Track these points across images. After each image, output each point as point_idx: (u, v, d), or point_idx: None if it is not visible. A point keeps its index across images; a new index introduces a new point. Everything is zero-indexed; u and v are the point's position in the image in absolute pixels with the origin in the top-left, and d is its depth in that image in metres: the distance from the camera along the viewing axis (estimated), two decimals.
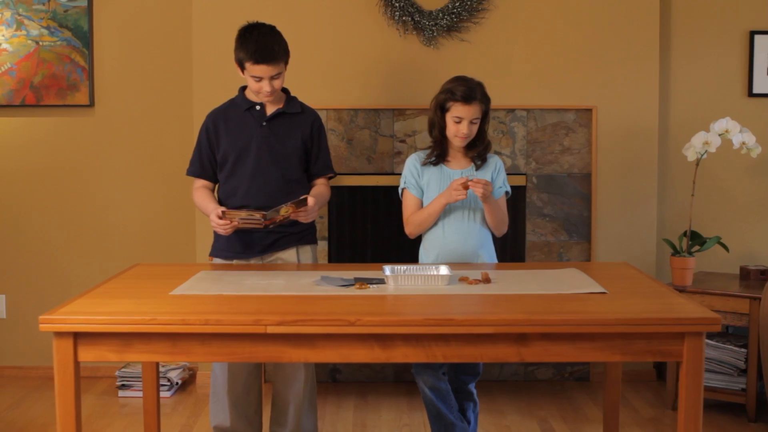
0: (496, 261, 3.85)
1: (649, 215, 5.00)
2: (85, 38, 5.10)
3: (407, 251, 4.80)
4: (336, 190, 4.80)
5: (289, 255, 3.75)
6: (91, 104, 5.14)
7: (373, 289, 3.19)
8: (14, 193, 5.19)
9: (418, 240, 3.94)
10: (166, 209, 5.20)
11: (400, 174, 4.86)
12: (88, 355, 2.83)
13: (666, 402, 4.64)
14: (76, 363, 2.83)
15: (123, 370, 4.91)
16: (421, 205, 3.79)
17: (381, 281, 3.30)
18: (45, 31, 5.09)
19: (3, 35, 5.08)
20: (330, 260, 4.94)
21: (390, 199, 5.00)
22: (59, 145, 5.19)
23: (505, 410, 4.59)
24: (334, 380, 5.05)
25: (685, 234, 4.65)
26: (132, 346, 2.84)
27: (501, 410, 4.58)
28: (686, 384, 2.82)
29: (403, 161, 4.84)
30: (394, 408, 4.63)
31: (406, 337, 2.81)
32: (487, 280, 3.29)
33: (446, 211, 3.72)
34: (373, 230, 5.05)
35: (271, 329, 2.76)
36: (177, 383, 4.94)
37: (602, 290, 3.15)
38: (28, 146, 5.18)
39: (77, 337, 2.82)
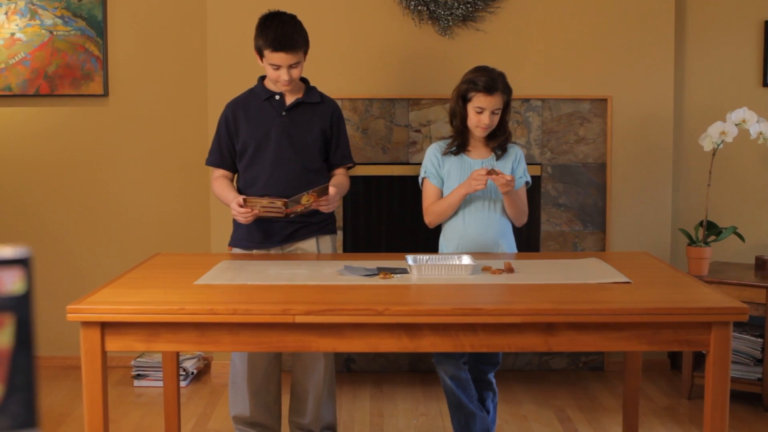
0: (516, 251, 3.86)
1: (664, 205, 5.00)
2: (99, 28, 5.10)
3: (422, 241, 4.81)
4: (351, 180, 4.78)
5: (308, 245, 3.75)
6: (106, 94, 5.14)
7: (397, 279, 3.20)
8: (28, 184, 5.19)
9: (434, 230, 3.94)
10: (181, 199, 5.20)
11: (415, 164, 4.87)
12: (116, 344, 2.84)
13: (681, 392, 4.65)
14: (104, 353, 2.83)
15: (139, 359, 4.92)
16: (441, 195, 3.78)
17: (404, 271, 3.30)
18: (59, 21, 5.08)
19: (17, 25, 5.07)
20: (345, 250, 4.94)
21: (405, 189, 5.00)
22: (73, 135, 5.18)
23: (522, 399, 4.60)
24: (348, 370, 5.06)
25: (701, 224, 4.65)
26: (159, 336, 2.84)
27: (517, 399, 4.59)
28: (713, 373, 2.83)
29: (419, 151, 4.85)
30: (410, 398, 4.64)
31: (433, 327, 2.81)
32: (510, 269, 3.30)
33: (466, 201, 3.72)
34: (387, 220, 5.05)
35: (299, 319, 2.77)
36: (192, 373, 4.95)
37: (626, 280, 3.16)
38: (42, 136, 5.18)
39: (104, 326, 2.82)
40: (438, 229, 3.91)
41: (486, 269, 3.32)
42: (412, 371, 5.06)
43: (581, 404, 4.53)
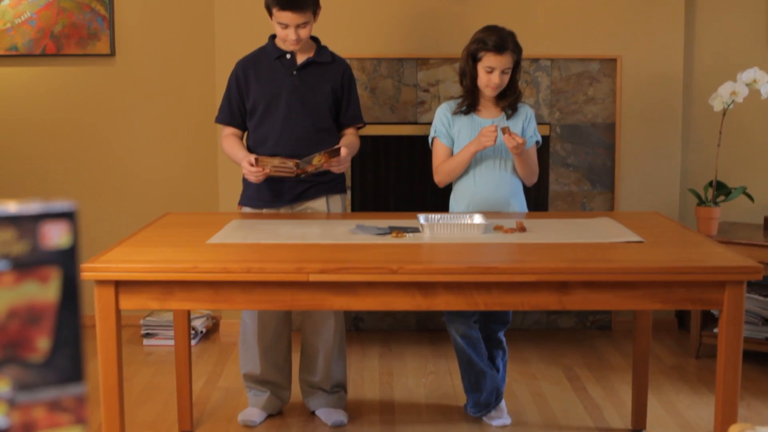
0: (526, 210, 3.86)
1: (672, 165, 4.99)
2: None
3: (431, 201, 4.81)
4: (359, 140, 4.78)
5: (318, 204, 3.75)
6: (112, 54, 5.11)
7: (409, 238, 3.20)
8: (34, 144, 5.18)
9: (442, 190, 3.94)
10: (189, 159, 5.19)
11: (423, 124, 4.86)
12: (130, 303, 2.84)
13: (689, 351, 4.67)
14: (118, 311, 2.84)
15: (148, 319, 4.93)
16: (451, 155, 3.78)
17: (416, 230, 3.30)
18: None
19: None
20: (353, 210, 4.94)
21: (413, 148, 4.99)
22: (80, 95, 5.16)
23: (530, 358, 4.61)
24: (357, 329, 5.07)
25: (710, 184, 4.64)
26: (173, 295, 2.84)
27: (526, 358, 4.60)
28: (726, 332, 2.83)
29: (427, 111, 4.84)
30: (418, 356, 4.66)
31: (448, 285, 2.81)
32: (522, 228, 3.30)
33: (477, 160, 3.72)
34: (396, 180, 5.05)
35: (313, 277, 2.77)
36: (201, 332, 4.97)
37: (639, 239, 3.16)
38: (48, 96, 5.16)
39: (119, 285, 2.82)
40: (447, 189, 3.91)
41: (498, 228, 3.32)
42: (420, 330, 5.08)
43: (589, 363, 4.55)
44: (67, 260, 0.77)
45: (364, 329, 5.07)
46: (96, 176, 5.21)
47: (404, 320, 5.08)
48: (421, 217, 3.33)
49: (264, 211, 3.73)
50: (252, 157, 3.53)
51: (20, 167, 5.18)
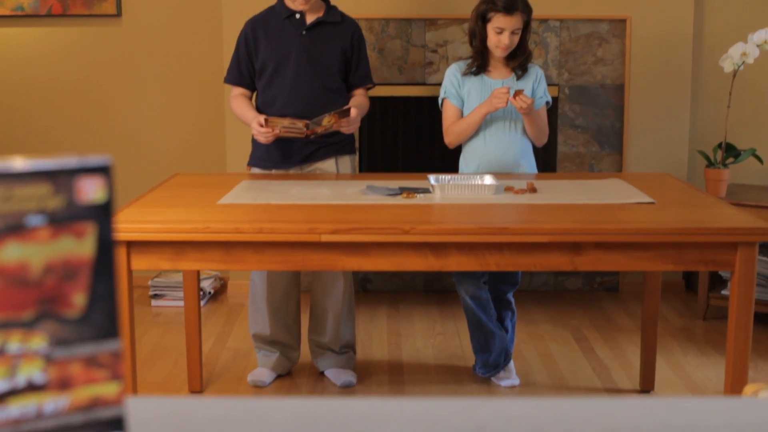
0: (536, 171, 3.85)
1: (681, 127, 4.97)
2: None
3: (438, 162, 4.80)
4: None
5: (328, 165, 3.74)
6: (119, 14, 5.08)
7: (420, 198, 3.19)
8: (40, 105, 5.16)
9: (450, 151, 3.93)
10: (196, 120, 5.17)
11: (431, 84, 4.83)
12: (142, 263, 2.84)
13: (697, 312, 4.67)
14: (129, 271, 2.84)
15: (156, 279, 4.94)
16: (461, 116, 3.76)
17: (426, 191, 3.29)
18: None
19: None
20: (361, 171, 4.93)
21: (421, 109, 4.97)
22: (86, 55, 5.13)
23: (538, 320, 4.62)
24: (365, 290, 5.08)
25: (719, 146, 4.63)
26: (185, 255, 2.84)
27: (533, 319, 4.61)
28: (737, 294, 2.83)
29: (435, 72, 4.81)
30: (426, 317, 4.66)
31: (460, 246, 2.81)
32: (533, 189, 3.29)
33: (487, 121, 3.70)
34: (404, 141, 5.03)
35: (325, 238, 2.77)
36: (210, 293, 4.97)
37: (650, 200, 3.15)
38: (54, 57, 5.13)
39: (130, 245, 2.82)
40: (455, 151, 3.90)
41: (508, 189, 3.31)
42: (428, 291, 5.08)
43: (597, 324, 4.56)
44: (103, 216, 0.77)
45: (372, 290, 5.08)
46: (102, 137, 5.20)
47: (412, 281, 5.09)
48: (432, 178, 3.33)
49: (273, 172, 3.72)
50: (261, 118, 3.52)
51: (26, 128, 5.16)
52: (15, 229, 0.74)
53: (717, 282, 4.64)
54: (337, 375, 3.82)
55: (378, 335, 4.41)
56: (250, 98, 3.78)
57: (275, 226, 2.79)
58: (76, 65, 5.13)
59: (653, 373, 3.75)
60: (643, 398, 0.98)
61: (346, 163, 3.79)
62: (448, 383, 3.84)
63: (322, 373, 3.89)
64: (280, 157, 3.69)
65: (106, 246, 0.77)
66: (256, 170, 3.78)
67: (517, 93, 3.54)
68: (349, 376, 3.80)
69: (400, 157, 5.03)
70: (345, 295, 3.82)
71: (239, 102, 3.73)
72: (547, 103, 3.81)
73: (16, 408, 0.75)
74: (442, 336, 4.40)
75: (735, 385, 2.86)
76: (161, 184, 3.49)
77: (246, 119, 3.64)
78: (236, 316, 4.72)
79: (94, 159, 0.76)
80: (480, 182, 3.32)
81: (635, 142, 4.97)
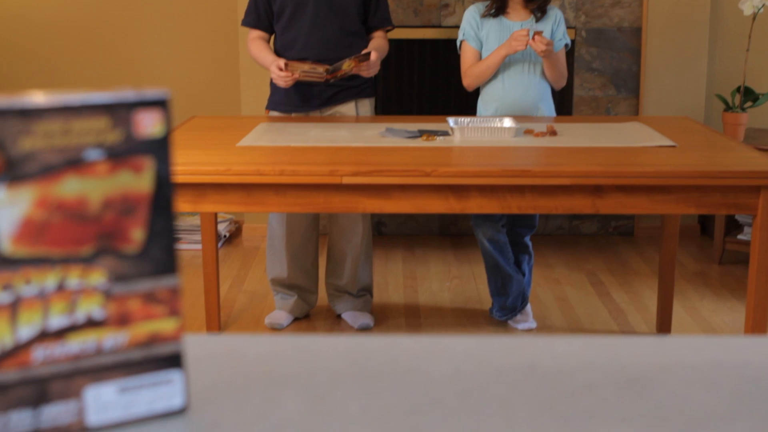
0: (554, 114, 3.82)
1: (699, 70, 4.92)
2: None
3: (454, 105, 4.77)
4: None
5: (347, 108, 3.71)
6: None
7: (439, 141, 3.17)
8: (50, 45, 5.12)
9: (467, 94, 3.91)
10: (210, 63, 5.14)
11: (447, 27, 4.79)
12: None
13: (713, 257, 4.67)
14: None
15: None
16: (480, 58, 3.73)
17: (445, 133, 3.27)
18: None
19: None
20: (377, 114, 4.90)
21: (437, 52, 4.93)
22: None
23: (553, 263, 4.62)
24: (379, 233, 5.08)
25: (738, 90, 4.59)
26: (206, 197, 2.84)
27: (549, 263, 4.61)
28: (759, 237, 2.82)
29: (451, 14, 4.77)
30: (441, 261, 4.67)
31: (481, 188, 2.80)
32: (553, 132, 3.27)
33: (506, 64, 3.67)
34: (419, 85, 4.99)
35: (346, 180, 2.76)
36: (225, 236, 4.98)
37: (672, 144, 3.13)
38: None
39: None
40: (472, 94, 3.87)
41: (528, 132, 3.29)
42: (443, 234, 5.08)
43: (612, 269, 4.56)
44: (160, 150, 0.76)
45: (387, 233, 5.08)
46: (115, 79, 5.17)
47: (427, 225, 5.08)
48: (451, 121, 3.31)
49: (293, 115, 3.70)
50: (281, 62, 3.48)
51: (38, 68, 5.14)
52: (74, 163, 0.73)
53: (733, 226, 4.63)
54: (354, 318, 3.83)
55: (394, 279, 4.41)
56: (268, 41, 3.75)
57: (296, 168, 2.78)
58: (89, 4, 5.09)
59: (670, 316, 3.75)
60: (692, 336, 0.98)
61: (366, 106, 3.76)
62: (465, 326, 3.85)
63: (339, 316, 3.90)
64: (299, 100, 3.66)
65: (164, 181, 0.76)
66: (275, 114, 3.75)
67: (536, 35, 3.50)
68: (366, 319, 3.81)
69: (415, 100, 5.00)
70: (364, 239, 3.82)
71: (257, 45, 3.69)
72: (566, 45, 3.77)
73: (76, 344, 0.75)
74: (458, 279, 4.40)
75: (755, 330, 2.86)
76: (178, 127, 3.48)
77: (265, 63, 3.61)
78: (252, 259, 4.73)
79: (152, 92, 0.75)
80: (499, 125, 3.30)
81: (652, 85, 4.93)
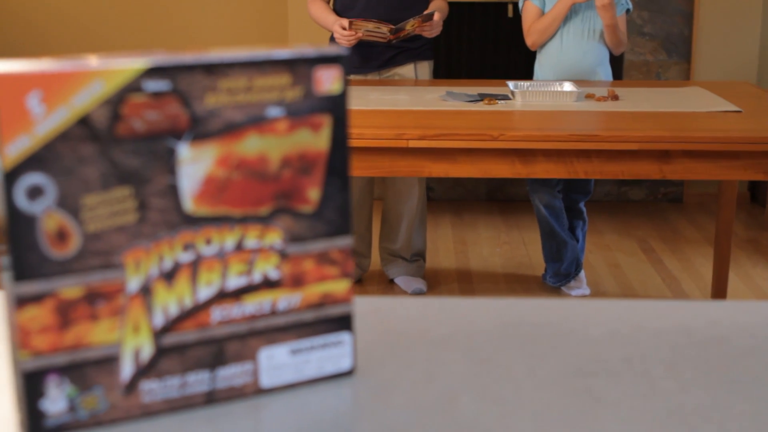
0: (612, 79, 3.78)
1: (752, 35, 4.86)
2: None
3: (502, 70, 4.73)
4: None
5: (407, 70, 3.68)
6: None
7: (501, 105, 3.14)
8: (86, 9, 5.10)
9: (520, 57, 3.87)
10: (257, 26, 5.11)
11: None
12: None
13: (763, 224, 4.63)
14: None
15: None
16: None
17: (506, 97, 3.24)
18: None
19: None
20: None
21: (487, 16, 4.88)
22: None
23: (603, 230, 4.59)
24: (428, 198, 5.05)
25: None
26: None
27: (599, 230, 4.58)
28: None
29: None
30: (490, 226, 4.65)
31: (547, 153, 2.78)
32: (614, 97, 3.23)
33: (565, 27, 3.62)
34: (468, 49, 4.95)
35: (413, 143, 2.74)
36: None
37: (737, 109, 3.09)
38: None
39: None
40: (526, 58, 3.83)
41: (589, 96, 3.26)
42: (490, 200, 5.06)
43: (663, 235, 4.52)
44: (338, 108, 0.74)
45: (434, 199, 5.06)
46: (159, 41, 5.15)
47: (474, 190, 5.06)
48: (511, 84, 3.28)
49: (352, 77, 3.67)
50: (345, 21, 3.44)
51: (81, 38, 5.13)
52: (256, 120, 0.71)
53: None
54: (407, 282, 3.82)
55: (444, 244, 4.40)
56: (328, 2, 3.71)
57: (362, 132, 2.76)
58: None
59: (725, 284, 3.72)
60: None
61: (425, 68, 3.73)
62: (518, 291, 3.83)
63: (391, 281, 3.90)
64: (359, 61, 3.63)
65: (340, 139, 0.75)
66: None
67: None
68: (419, 284, 3.80)
69: (464, 65, 4.96)
70: (419, 203, 3.79)
71: (318, 6, 3.65)
72: (628, 11, 3.72)
73: (252, 305, 0.74)
74: (508, 245, 4.38)
75: None
76: None
77: (327, 23, 3.57)
78: None
79: (331, 49, 0.73)
80: (560, 89, 3.27)
81: (704, 50, 4.86)
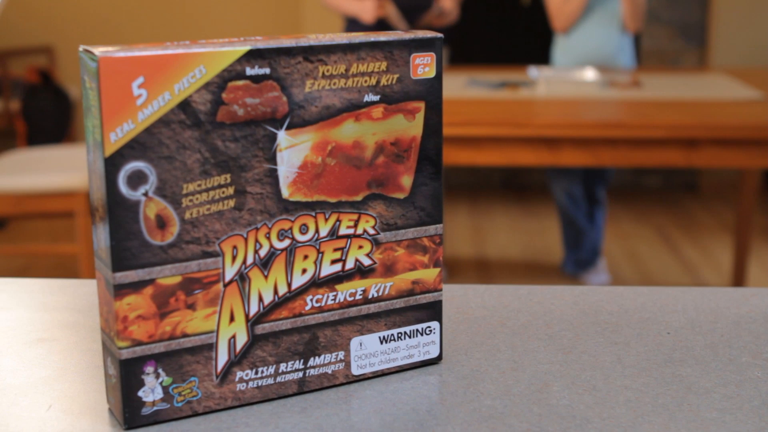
0: (632, 65, 3.77)
1: None
2: None
3: (517, 56, 4.72)
4: None
5: None
6: None
7: (524, 92, 3.13)
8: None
9: (533, 46, 3.85)
10: (270, 14, 5.10)
11: None
12: None
13: None
14: None
15: None
16: None
17: (527, 84, 3.23)
18: None
19: None
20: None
21: (501, 1, 4.87)
22: None
23: (620, 217, 4.58)
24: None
25: None
26: None
27: (616, 217, 4.58)
28: None
29: None
30: (506, 214, 4.64)
31: (574, 141, 2.77)
32: (636, 83, 3.22)
33: (587, 15, 3.60)
34: (483, 34, 4.94)
35: None
36: None
37: (761, 96, 3.08)
38: None
39: None
40: (536, 45, 3.82)
41: (613, 84, 3.25)
42: (505, 187, 5.05)
43: (680, 223, 4.51)
44: (433, 94, 0.73)
45: (449, 186, 5.05)
46: (172, 33, 5.14)
47: (489, 177, 5.05)
48: (534, 71, 3.26)
49: None
50: None
51: (97, 33, 5.11)
52: (353, 106, 0.71)
53: None
54: None
55: (460, 231, 4.39)
56: None
57: None
58: None
59: (744, 270, 3.71)
60: None
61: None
62: (538, 278, 3.83)
63: None
64: None
65: (434, 127, 0.74)
66: None
67: None
68: None
69: (478, 51, 4.95)
70: None
71: None
72: None
73: (344, 292, 0.74)
74: (525, 233, 4.37)
75: None
76: None
77: (349, 8, 3.53)
78: None
79: (426, 34, 0.72)
80: (582, 76, 3.26)
81: (720, 36, 4.85)
